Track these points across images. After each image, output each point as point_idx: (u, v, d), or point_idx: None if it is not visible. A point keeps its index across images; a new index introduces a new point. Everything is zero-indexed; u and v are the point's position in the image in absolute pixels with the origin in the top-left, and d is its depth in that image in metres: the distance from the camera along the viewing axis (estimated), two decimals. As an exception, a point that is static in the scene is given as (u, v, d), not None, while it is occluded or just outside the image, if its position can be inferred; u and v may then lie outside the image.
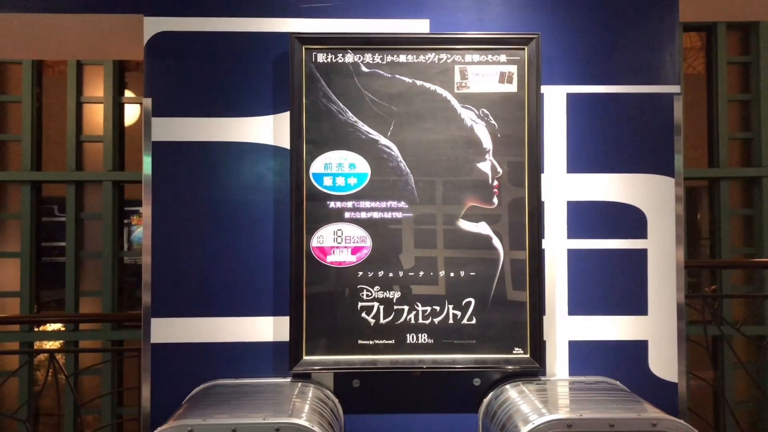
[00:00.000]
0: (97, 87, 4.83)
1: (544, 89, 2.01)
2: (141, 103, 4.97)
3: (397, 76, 1.96)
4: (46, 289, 5.03)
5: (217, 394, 1.86)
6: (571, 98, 2.04)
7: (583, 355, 2.02)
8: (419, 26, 2.02)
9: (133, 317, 4.70)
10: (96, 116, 4.86)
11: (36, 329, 4.91)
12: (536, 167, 1.96)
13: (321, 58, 1.96)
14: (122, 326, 4.75)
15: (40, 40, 2.42)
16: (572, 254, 2.03)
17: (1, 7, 2.09)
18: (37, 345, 4.86)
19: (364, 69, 1.96)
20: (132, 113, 5.01)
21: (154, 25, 2.01)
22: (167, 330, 1.97)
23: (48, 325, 5.16)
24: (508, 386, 1.95)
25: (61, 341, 4.94)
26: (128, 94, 4.94)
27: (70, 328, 4.83)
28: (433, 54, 1.96)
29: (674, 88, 2.04)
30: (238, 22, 2.01)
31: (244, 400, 1.80)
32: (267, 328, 1.98)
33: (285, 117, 1.99)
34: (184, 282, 1.98)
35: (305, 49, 1.95)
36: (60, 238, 4.96)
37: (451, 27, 2.02)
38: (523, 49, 1.97)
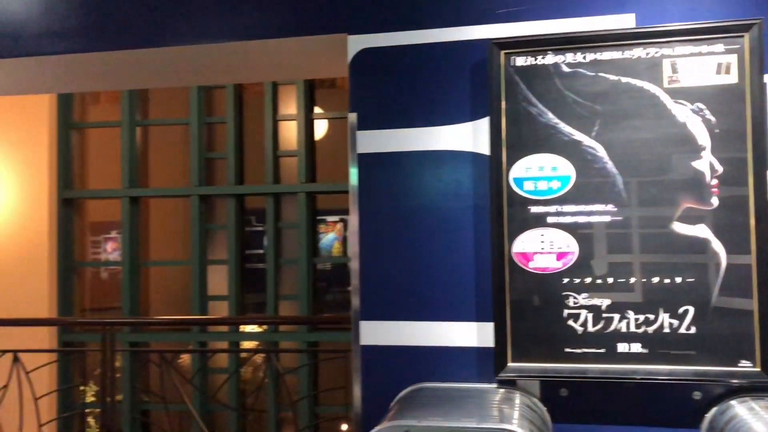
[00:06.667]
0: (290, 105, 5.18)
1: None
2: (329, 118, 5.28)
3: (600, 74, 1.89)
4: (248, 293, 5.47)
5: (425, 396, 1.90)
6: (801, 86, 1.83)
7: (824, 371, 1.80)
8: (624, 21, 1.93)
9: (333, 320, 4.97)
10: (289, 132, 5.21)
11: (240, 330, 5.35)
12: (761, 163, 1.79)
13: (520, 61, 1.94)
14: (317, 329, 5.03)
15: (248, 65, 2.62)
16: (807, 258, 1.82)
17: (213, 38, 2.27)
18: (243, 345, 5.29)
19: (565, 69, 1.91)
20: (321, 128, 5.30)
21: (357, 43, 2.11)
22: (375, 332, 2.05)
23: (253, 326, 5.61)
24: (734, 402, 1.79)
25: (260, 342, 5.34)
26: (317, 110, 5.24)
27: (270, 329, 5.21)
28: (640, 49, 1.86)
29: None
30: (436, 33, 2.05)
31: (452, 403, 1.82)
32: (470, 334, 1.99)
33: (483, 123, 2.00)
34: (390, 286, 2.05)
35: (504, 53, 1.94)
36: (257, 246, 5.37)
37: (659, 19, 1.91)
38: (743, 36, 1.81)
